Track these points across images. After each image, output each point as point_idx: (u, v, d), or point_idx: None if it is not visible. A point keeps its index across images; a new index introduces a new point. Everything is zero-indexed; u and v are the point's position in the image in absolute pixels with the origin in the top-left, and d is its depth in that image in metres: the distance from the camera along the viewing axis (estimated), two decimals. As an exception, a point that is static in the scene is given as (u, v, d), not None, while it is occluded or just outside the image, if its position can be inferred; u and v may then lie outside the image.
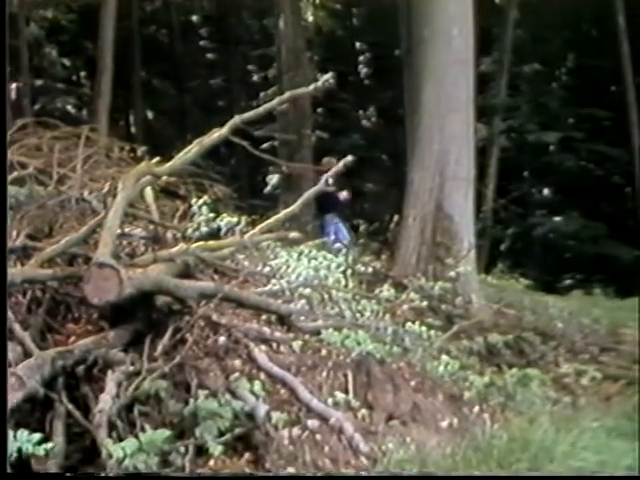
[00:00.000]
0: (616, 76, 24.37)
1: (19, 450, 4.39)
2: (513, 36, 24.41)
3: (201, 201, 8.46)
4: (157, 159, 8.01)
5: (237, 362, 5.88)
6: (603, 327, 10.71)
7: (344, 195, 15.69)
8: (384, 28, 23.32)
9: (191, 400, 5.18)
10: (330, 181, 15.86)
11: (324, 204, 15.51)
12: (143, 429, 4.85)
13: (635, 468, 5.48)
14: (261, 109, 7.92)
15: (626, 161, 24.09)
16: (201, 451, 4.92)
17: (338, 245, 15.00)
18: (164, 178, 8.07)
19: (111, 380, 5.08)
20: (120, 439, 4.66)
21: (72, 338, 5.61)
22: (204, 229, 8.19)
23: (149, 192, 8.19)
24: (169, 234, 7.81)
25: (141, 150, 9.54)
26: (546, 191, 27.03)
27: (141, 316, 5.78)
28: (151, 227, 7.67)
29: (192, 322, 5.85)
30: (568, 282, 23.49)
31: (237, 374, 5.63)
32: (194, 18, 30.85)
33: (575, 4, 26.55)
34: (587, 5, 26.32)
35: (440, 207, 10.69)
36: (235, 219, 8.42)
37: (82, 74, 28.29)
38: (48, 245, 6.28)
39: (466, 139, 11.16)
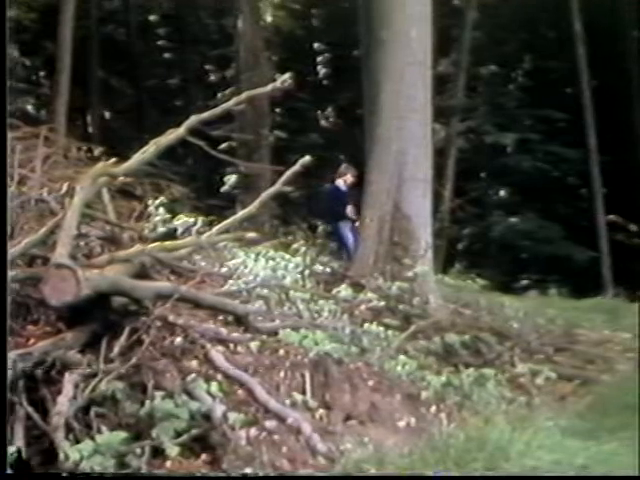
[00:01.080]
0: (572, 78, 24.59)
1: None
2: (471, 38, 24.53)
3: (158, 201, 8.42)
4: (114, 159, 7.96)
5: (194, 363, 5.85)
6: (558, 327, 10.80)
7: (351, 210, 15.73)
8: (343, 29, 23.39)
9: (147, 401, 5.15)
10: (343, 187, 15.97)
11: (338, 211, 15.49)
12: (100, 431, 4.82)
13: (589, 467, 5.53)
14: (218, 109, 7.90)
15: (581, 162, 24.30)
16: (158, 452, 4.90)
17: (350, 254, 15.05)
18: (121, 178, 8.02)
19: (68, 382, 5.05)
20: (77, 441, 4.63)
21: (31, 340, 5.56)
22: (161, 229, 8.16)
23: (106, 193, 8.14)
24: (126, 235, 7.76)
25: (98, 150, 9.47)
26: (503, 192, 27.21)
27: (98, 317, 5.73)
28: (108, 228, 7.62)
29: (148, 323, 5.81)
30: (524, 282, 23.67)
31: (194, 375, 5.61)
32: (152, 17, 30.69)
33: (532, 7, 26.80)
34: (544, 8, 26.57)
35: (398, 207, 10.72)
36: (192, 219, 8.40)
37: (41, 74, 28.03)
38: (10, 247, 6.22)
39: (424, 140, 11.20)
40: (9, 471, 4.41)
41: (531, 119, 25.33)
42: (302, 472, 5.16)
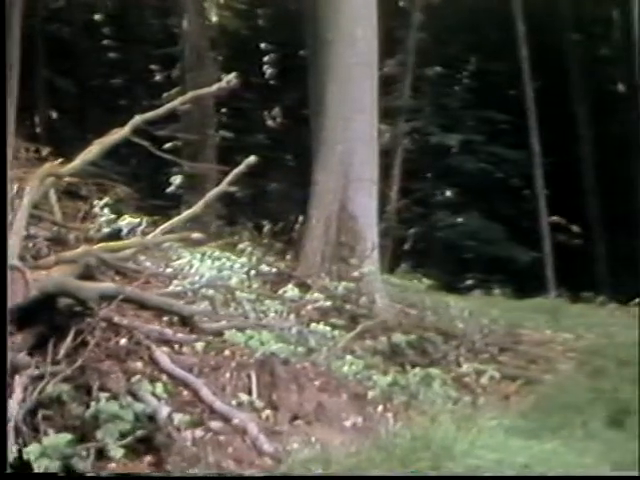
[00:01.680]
0: (515, 80, 24.80)
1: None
2: (416, 39, 24.63)
3: (102, 202, 8.36)
4: (60, 160, 7.89)
5: (139, 364, 5.82)
6: (501, 327, 10.89)
7: None
8: (289, 29, 23.35)
9: (93, 403, 5.11)
10: None
11: None
12: (46, 433, 4.78)
13: (530, 466, 5.58)
14: (163, 109, 7.87)
15: (524, 164, 24.52)
16: (102, 454, 4.86)
17: None
18: (67, 179, 7.95)
19: (18, 385, 5.01)
20: (25, 444, 4.59)
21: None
22: (106, 230, 8.10)
23: (53, 193, 8.07)
24: (72, 235, 7.70)
25: (46, 151, 9.38)
26: (448, 192, 27.34)
27: (45, 319, 5.69)
28: (55, 228, 7.56)
29: (93, 324, 5.77)
30: (469, 282, 23.82)
31: (138, 376, 5.57)
32: (97, 16, 30.39)
33: (477, 9, 26.99)
34: (488, 10, 26.76)
35: (344, 207, 10.73)
36: (137, 220, 8.35)
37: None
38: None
39: (370, 140, 11.23)
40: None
41: (475, 120, 25.50)
42: (248, 473, 5.15)
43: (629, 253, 22.70)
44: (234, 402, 5.77)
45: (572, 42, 26.46)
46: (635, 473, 5.86)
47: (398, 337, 8.86)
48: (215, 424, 5.44)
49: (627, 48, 22.56)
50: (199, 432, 5.33)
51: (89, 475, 4.69)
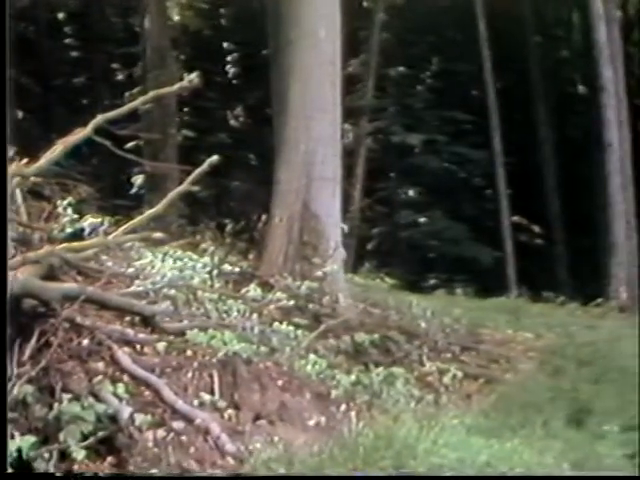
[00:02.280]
0: (478, 81, 24.94)
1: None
2: (380, 39, 24.69)
3: (66, 202, 8.30)
4: (26, 160, 7.83)
5: (100, 364, 5.78)
6: (464, 327, 10.93)
7: None
8: (252, 28, 23.30)
9: (56, 404, 5.08)
10: None
11: None
12: (12, 436, 4.75)
13: (491, 464, 5.61)
14: (125, 108, 7.83)
15: (487, 164, 24.66)
16: (65, 456, 4.84)
17: None
18: (32, 178, 7.89)
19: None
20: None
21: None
22: (69, 230, 8.05)
23: (19, 193, 8.00)
24: (36, 235, 7.64)
25: (12, 150, 9.30)
26: (411, 192, 27.43)
27: (10, 320, 5.64)
28: (20, 229, 7.50)
29: (57, 325, 5.73)
30: (432, 282, 23.91)
31: (100, 377, 5.54)
32: (60, 15, 30.19)
33: (439, 9, 27.11)
34: (451, 11, 26.89)
35: (307, 207, 10.72)
36: (99, 220, 8.30)
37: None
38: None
39: (333, 139, 11.23)
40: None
41: (438, 120, 25.61)
42: (210, 473, 5.13)
43: (589, 254, 22.92)
44: (196, 402, 5.75)
45: (533, 44, 26.63)
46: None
47: (361, 336, 8.86)
48: (177, 424, 5.42)
49: (587, 50, 22.77)
50: (161, 432, 5.30)
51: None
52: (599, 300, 17.71)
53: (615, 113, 20.99)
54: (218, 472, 5.15)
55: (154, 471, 4.98)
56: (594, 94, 22.13)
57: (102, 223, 8.29)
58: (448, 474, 5.31)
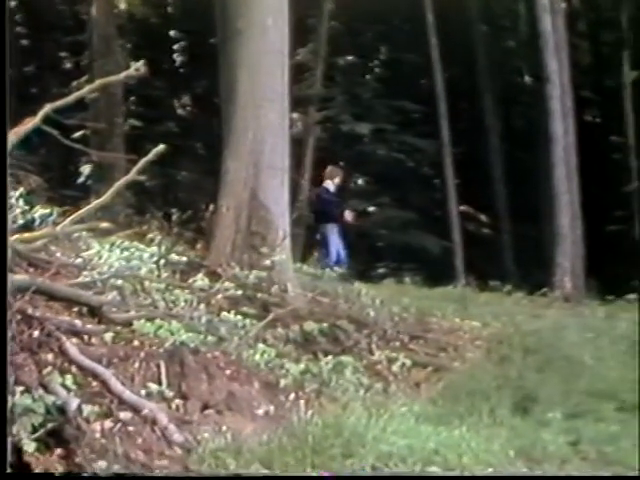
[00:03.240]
0: (426, 70, 25.03)
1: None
2: (328, 28, 24.69)
3: (17, 193, 8.21)
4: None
5: (50, 356, 5.74)
6: (412, 316, 10.98)
7: (350, 214, 15.66)
8: (199, 17, 23.18)
9: (9, 397, 5.04)
10: (332, 189, 15.87)
11: (328, 213, 15.37)
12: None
13: (439, 452, 5.66)
14: (72, 97, 7.74)
15: (435, 153, 24.79)
16: (17, 449, 4.80)
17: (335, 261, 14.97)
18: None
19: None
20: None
21: None
22: (21, 221, 7.97)
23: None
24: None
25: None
26: (360, 181, 27.50)
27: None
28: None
29: (10, 317, 5.67)
30: (380, 271, 24.00)
31: (50, 368, 5.50)
32: (12, 4, 29.75)
33: (387, -1, 27.17)
34: (399, 0, 26.95)
35: (255, 196, 10.68)
36: (48, 210, 8.23)
37: None
38: None
39: (281, 129, 11.20)
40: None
41: (387, 109, 25.69)
42: (157, 463, 5.12)
43: (535, 243, 23.16)
44: (143, 392, 5.72)
45: (480, 34, 26.80)
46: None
47: (310, 325, 8.86)
48: (124, 415, 5.39)
49: (532, 41, 22.95)
50: (108, 423, 5.27)
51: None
52: (544, 289, 17.89)
53: (560, 104, 21.18)
54: (165, 462, 5.13)
55: (102, 462, 4.95)
56: (539, 85, 22.32)
57: (51, 214, 8.22)
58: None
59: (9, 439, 4.78)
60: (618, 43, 27.82)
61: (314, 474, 5.11)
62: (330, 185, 16.34)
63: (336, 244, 15.87)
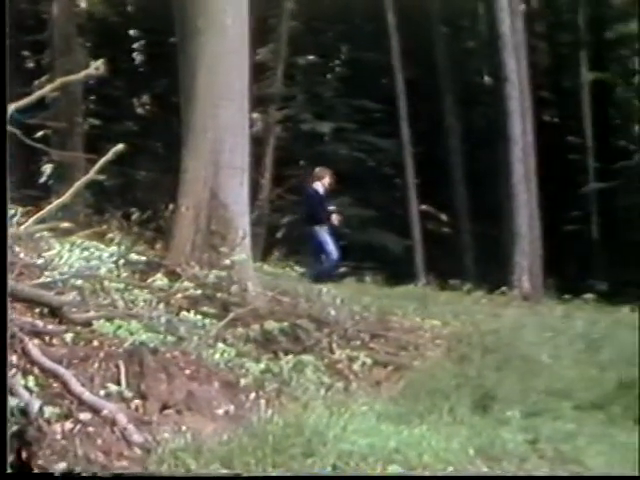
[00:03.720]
0: (386, 70, 25.11)
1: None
2: (289, 27, 24.68)
3: (-17, 194, 8.16)
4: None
5: (14, 357, 5.71)
6: (373, 314, 11.01)
7: (337, 218, 15.67)
8: (159, 15, 23.08)
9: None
10: (322, 190, 15.87)
11: (318, 215, 15.32)
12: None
13: (400, 450, 5.68)
14: (34, 96, 7.70)
15: (395, 153, 24.87)
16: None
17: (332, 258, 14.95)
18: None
19: None
20: None
21: None
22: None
23: None
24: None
25: None
26: (321, 180, 27.45)
27: None
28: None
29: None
30: (341, 270, 24.00)
31: (14, 370, 5.48)
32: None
33: (348, -2, 27.23)
34: (360, 0, 27.02)
35: (214, 195, 10.64)
36: (12, 211, 8.17)
37: None
38: None
39: (241, 128, 11.18)
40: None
41: (348, 108, 25.73)
42: (117, 464, 5.10)
43: (494, 242, 23.30)
44: (103, 393, 5.70)
45: (440, 34, 26.92)
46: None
47: (271, 324, 8.85)
48: (84, 416, 5.37)
49: (491, 42, 23.09)
50: (69, 424, 5.26)
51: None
52: (503, 288, 18.02)
53: (519, 104, 21.34)
54: (124, 463, 5.12)
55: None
56: (499, 85, 22.46)
57: (15, 214, 8.18)
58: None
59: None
60: (575, 44, 28.08)
61: (274, 474, 5.11)
62: (319, 186, 16.35)
63: (329, 244, 15.92)
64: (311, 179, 16.72)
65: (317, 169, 16.72)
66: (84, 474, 4.71)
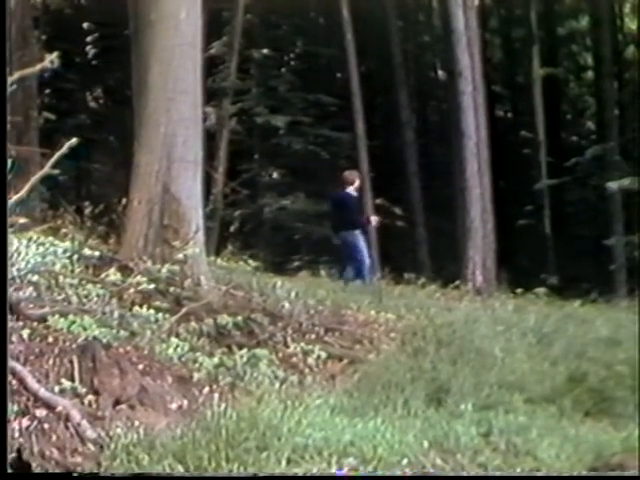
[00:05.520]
0: (341, 64, 25.13)
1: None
2: (243, 20, 24.58)
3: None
4: None
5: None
6: (327, 308, 11.02)
7: (375, 219, 15.56)
8: (112, 8, 22.91)
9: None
10: (354, 194, 15.76)
11: (355, 219, 15.25)
12: None
13: (355, 443, 5.71)
14: (-7, 90, 7.60)
15: (350, 146, 24.89)
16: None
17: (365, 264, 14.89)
18: None
19: None
20: None
21: None
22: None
23: None
24: None
25: None
26: (275, 173, 27.49)
27: None
28: None
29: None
30: (296, 263, 24.02)
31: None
32: None
33: (303, -8, 27.23)
34: (314, -7, 27.07)
35: (167, 189, 10.58)
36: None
37: None
38: None
39: (194, 121, 11.13)
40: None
41: (302, 102, 25.71)
42: (71, 460, 5.08)
43: (448, 236, 23.43)
44: (57, 389, 5.68)
45: (395, 28, 26.96)
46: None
47: (224, 319, 8.83)
48: (40, 412, 5.36)
49: (446, 36, 23.19)
50: (25, 421, 5.24)
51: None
52: (457, 282, 18.10)
53: (472, 99, 21.44)
54: (78, 459, 5.10)
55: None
56: (452, 80, 22.56)
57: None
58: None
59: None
60: (528, 40, 28.28)
61: (229, 469, 5.11)
62: (351, 190, 16.31)
63: (366, 250, 15.93)
64: (341, 183, 16.65)
65: (346, 173, 16.72)
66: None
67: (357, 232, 15.96)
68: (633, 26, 29.04)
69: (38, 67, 7.95)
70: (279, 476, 5.12)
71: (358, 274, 15.68)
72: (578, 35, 31.16)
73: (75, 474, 4.79)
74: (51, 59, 7.57)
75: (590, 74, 30.81)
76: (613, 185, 22.53)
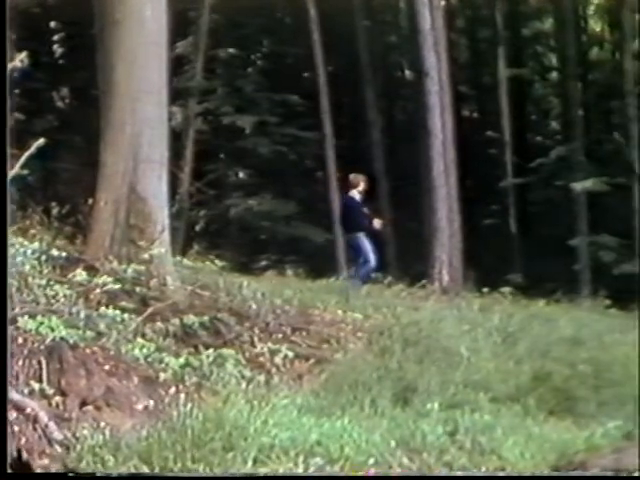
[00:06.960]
0: (308, 63, 25.11)
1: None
2: (209, 20, 24.51)
3: None
4: None
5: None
6: (294, 308, 11.02)
7: (379, 223, 15.66)
8: (79, 7, 22.76)
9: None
10: (358, 197, 15.78)
11: (360, 222, 15.18)
12: None
13: (322, 443, 5.72)
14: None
15: (317, 146, 24.90)
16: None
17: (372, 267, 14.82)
18: None
19: None
20: None
21: None
22: None
23: None
24: None
25: None
26: (241, 173, 27.46)
27: None
28: None
29: None
30: (263, 263, 24.00)
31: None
32: None
33: (270, -9, 27.17)
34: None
35: (133, 189, 10.55)
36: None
37: None
38: None
39: (159, 121, 11.10)
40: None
41: (269, 102, 25.67)
42: (38, 462, 5.07)
43: (415, 236, 23.48)
44: (26, 390, 5.66)
45: (362, 28, 26.98)
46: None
47: (190, 319, 8.81)
48: (10, 414, 5.33)
49: (413, 36, 23.25)
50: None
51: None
52: (424, 282, 18.16)
53: (438, 99, 21.52)
54: (45, 461, 5.09)
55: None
56: (419, 80, 22.62)
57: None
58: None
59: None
60: (494, 40, 28.42)
61: (195, 470, 5.12)
62: (356, 194, 16.40)
63: (371, 252, 16.00)
64: (346, 187, 16.76)
65: (351, 176, 16.81)
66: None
67: (361, 234, 16.12)
68: (597, 28, 29.34)
69: (9, 67, 7.91)
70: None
71: (363, 275, 15.82)
72: (543, 36, 31.32)
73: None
74: (21, 58, 7.55)
75: (555, 75, 31.02)
76: (577, 186, 22.74)
